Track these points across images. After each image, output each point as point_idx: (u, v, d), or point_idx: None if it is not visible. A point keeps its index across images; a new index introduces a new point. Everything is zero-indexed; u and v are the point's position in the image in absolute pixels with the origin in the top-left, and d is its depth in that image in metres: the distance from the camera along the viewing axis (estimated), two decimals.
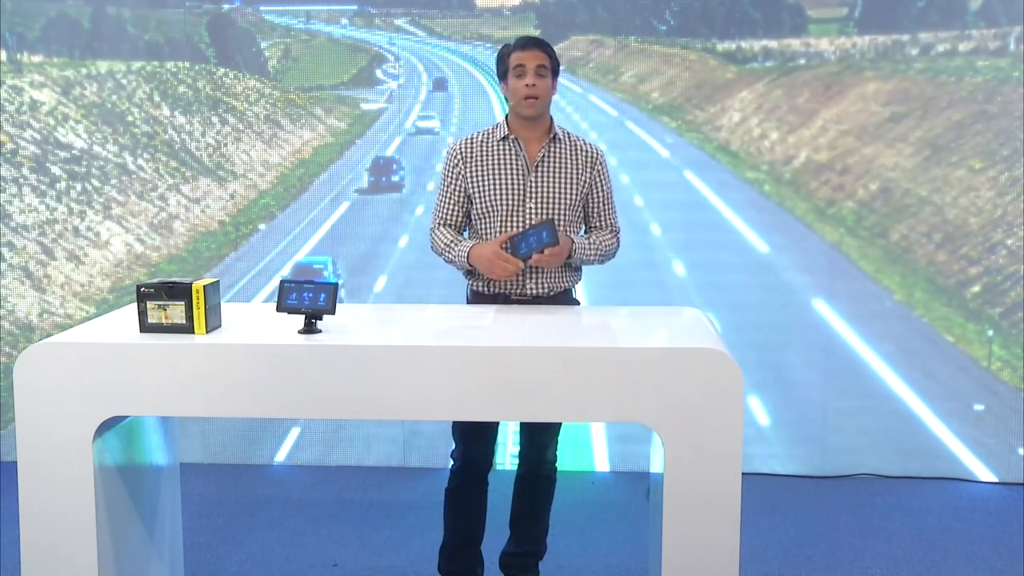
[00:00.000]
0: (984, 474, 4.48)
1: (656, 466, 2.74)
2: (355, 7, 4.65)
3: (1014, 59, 4.31)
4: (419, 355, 2.54)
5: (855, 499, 4.27)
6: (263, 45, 4.68)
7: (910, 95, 4.42)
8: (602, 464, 4.62)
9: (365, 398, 2.54)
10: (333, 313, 2.64)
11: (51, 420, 2.55)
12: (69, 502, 2.57)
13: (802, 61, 4.46)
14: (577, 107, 4.56)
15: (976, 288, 4.44)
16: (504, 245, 3.02)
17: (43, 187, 4.67)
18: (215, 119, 4.68)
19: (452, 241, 3.15)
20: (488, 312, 3.06)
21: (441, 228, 3.22)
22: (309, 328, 2.64)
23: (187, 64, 4.65)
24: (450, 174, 3.21)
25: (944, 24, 4.38)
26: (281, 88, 4.70)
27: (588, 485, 4.45)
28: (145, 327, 2.65)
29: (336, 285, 2.68)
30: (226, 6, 4.63)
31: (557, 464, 3.34)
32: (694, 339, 2.64)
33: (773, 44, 4.47)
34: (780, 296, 4.51)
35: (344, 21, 4.67)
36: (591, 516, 4.06)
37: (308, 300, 2.64)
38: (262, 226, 4.69)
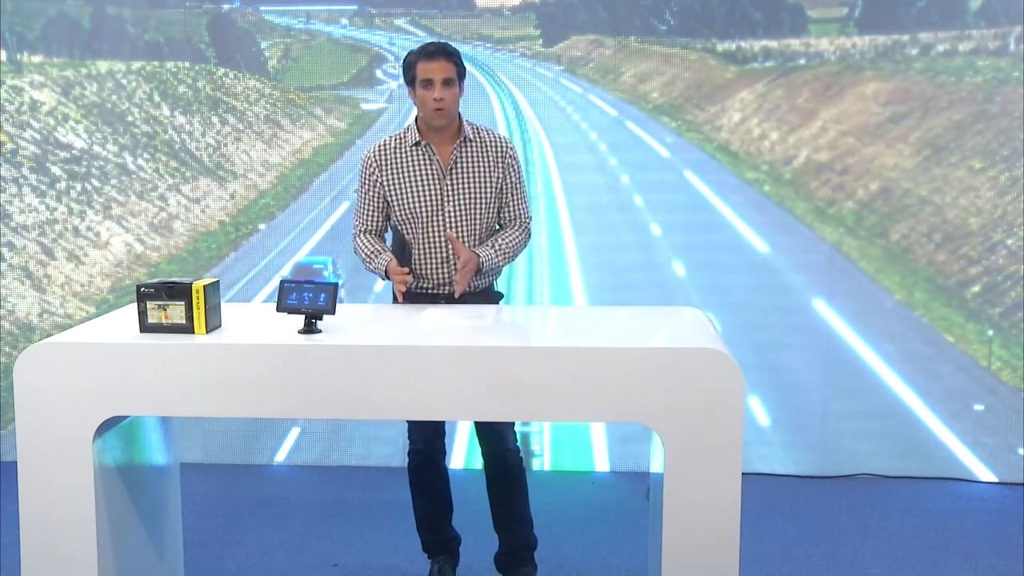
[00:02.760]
0: (984, 474, 4.47)
1: (656, 466, 2.74)
2: (355, 7, 4.65)
3: (1014, 59, 4.31)
4: (419, 355, 2.54)
5: (855, 499, 4.27)
6: (263, 45, 4.68)
7: (910, 95, 4.41)
8: (602, 464, 4.62)
9: (365, 398, 2.54)
10: (333, 313, 2.64)
11: (51, 420, 2.55)
12: (69, 502, 2.57)
13: (802, 61, 4.46)
14: (577, 107, 4.56)
15: (976, 288, 4.44)
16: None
17: (43, 187, 4.67)
18: (215, 119, 4.68)
19: (372, 252, 3.22)
20: (488, 312, 3.06)
21: (363, 235, 3.29)
22: (309, 328, 2.64)
23: (187, 64, 4.65)
24: (367, 182, 3.26)
25: (944, 24, 4.38)
26: (281, 88, 4.70)
27: (588, 485, 4.45)
28: (145, 327, 2.65)
29: (336, 285, 2.68)
30: (226, 6, 4.63)
31: (521, 455, 3.34)
32: (694, 339, 2.64)
33: (773, 44, 4.47)
34: (780, 296, 4.51)
35: (344, 21, 4.67)
36: (591, 516, 4.06)
37: (308, 300, 2.64)
38: (262, 226, 4.69)
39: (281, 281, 2.70)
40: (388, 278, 3.20)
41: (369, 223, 3.29)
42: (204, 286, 2.63)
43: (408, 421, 3.31)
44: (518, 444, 3.33)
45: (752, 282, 4.50)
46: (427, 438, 3.31)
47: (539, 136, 4.56)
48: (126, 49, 4.65)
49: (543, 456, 4.60)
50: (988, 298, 4.43)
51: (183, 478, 3.21)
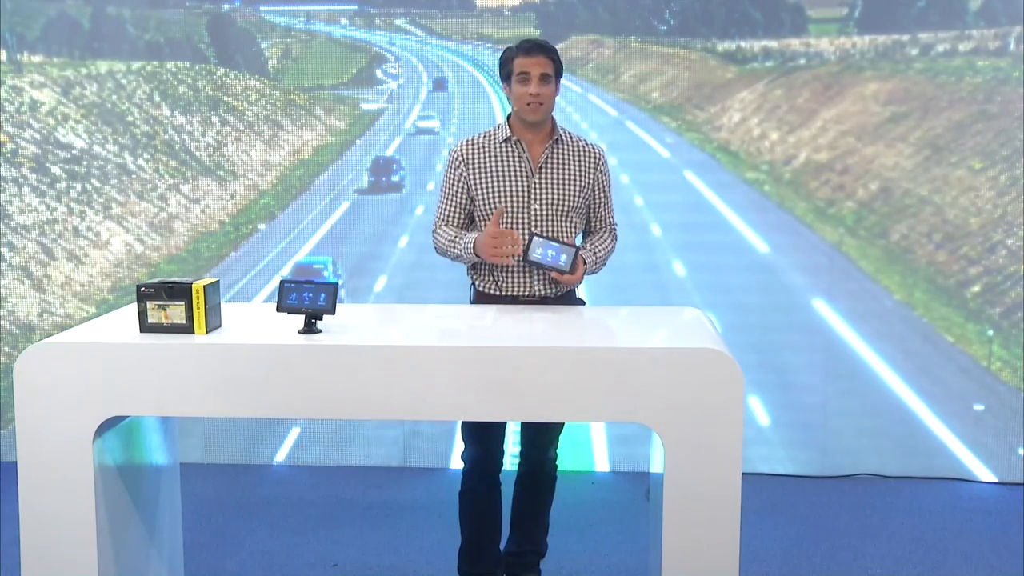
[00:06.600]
0: (984, 474, 4.48)
1: (656, 466, 2.74)
2: (355, 7, 4.65)
3: (1014, 59, 4.31)
4: (419, 355, 2.54)
5: (855, 499, 4.27)
6: (263, 45, 4.68)
7: (910, 95, 4.42)
8: (602, 464, 4.62)
9: (365, 398, 2.54)
10: (333, 313, 2.64)
11: (51, 420, 2.55)
12: (69, 502, 2.57)
13: (802, 61, 4.46)
14: (577, 107, 4.56)
15: (976, 288, 4.44)
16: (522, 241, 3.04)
17: (43, 187, 4.67)
18: (215, 119, 4.68)
19: (456, 236, 3.15)
20: (488, 312, 3.06)
21: (443, 227, 3.21)
22: (309, 328, 2.64)
23: (187, 64, 4.65)
24: (452, 176, 3.20)
25: (944, 24, 4.38)
26: (281, 88, 4.70)
27: (588, 485, 4.45)
28: (145, 327, 2.65)
29: (336, 285, 2.68)
30: (226, 6, 4.63)
31: (558, 463, 3.34)
32: (694, 339, 2.64)
33: (773, 44, 4.47)
34: (780, 296, 4.51)
35: (344, 21, 4.67)
36: (591, 516, 4.06)
37: (308, 300, 2.64)
38: (262, 226, 4.69)
39: (281, 281, 2.70)
40: (478, 255, 3.06)
41: (449, 217, 3.21)
42: (204, 286, 2.63)
43: (464, 436, 3.19)
44: (558, 451, 3.31)
45: (752, 282, 4.51)
46: (485, 451, 3.17)
47: None
48: (126, 49, 4.65)
49: None
50: (988, 298, 4.43)
51: (183, 478, 3.21)
